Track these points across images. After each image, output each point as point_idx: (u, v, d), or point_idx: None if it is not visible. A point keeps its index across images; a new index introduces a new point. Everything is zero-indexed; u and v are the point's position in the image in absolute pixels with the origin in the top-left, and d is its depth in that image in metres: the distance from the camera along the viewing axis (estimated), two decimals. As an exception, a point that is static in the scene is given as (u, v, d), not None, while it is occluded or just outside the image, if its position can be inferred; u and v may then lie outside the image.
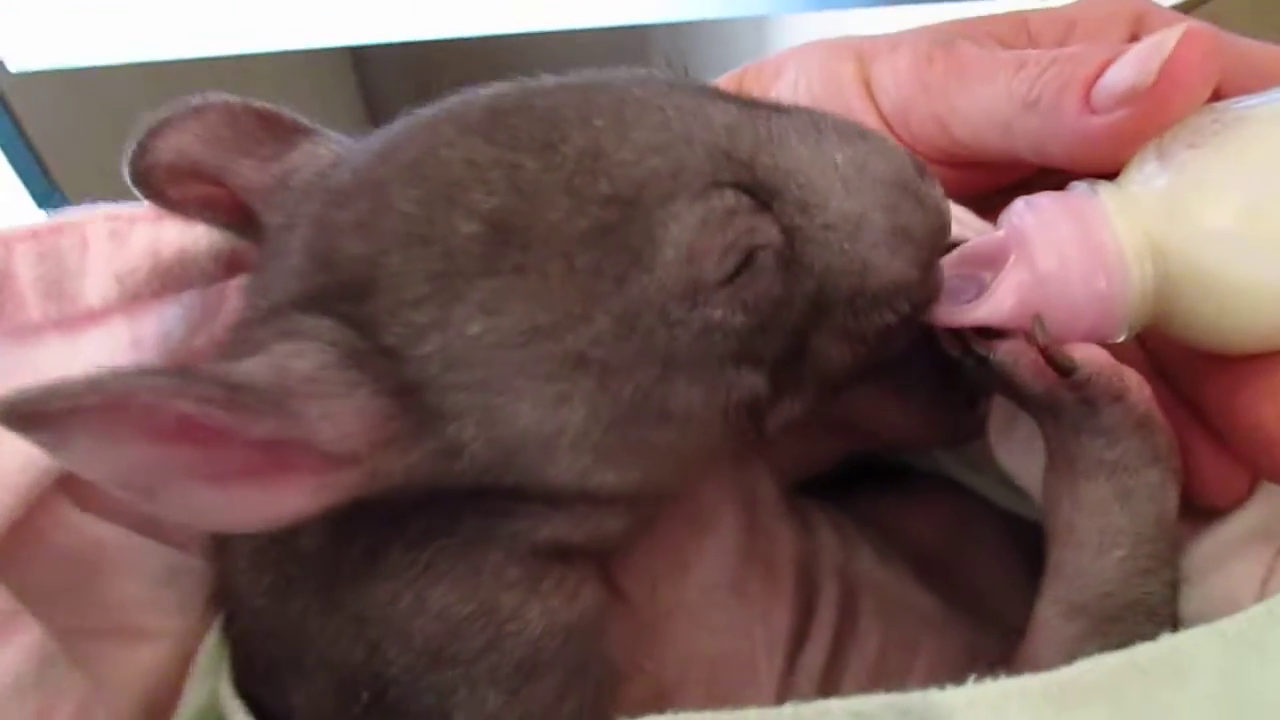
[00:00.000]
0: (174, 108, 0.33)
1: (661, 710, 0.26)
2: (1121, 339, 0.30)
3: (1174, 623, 0.30)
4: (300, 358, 0.26)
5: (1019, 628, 0.32)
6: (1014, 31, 0.38)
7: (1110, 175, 0.30)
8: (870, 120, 0.37)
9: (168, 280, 0.34)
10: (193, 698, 0.33)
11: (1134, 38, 0.35)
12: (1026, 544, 0.38)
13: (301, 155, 0.33)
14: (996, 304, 0.30)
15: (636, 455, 0.29)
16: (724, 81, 0.43)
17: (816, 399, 0.32)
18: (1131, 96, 0.29)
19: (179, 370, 0.25)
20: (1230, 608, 0.28)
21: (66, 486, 0.33)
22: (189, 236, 0.35)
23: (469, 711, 0.29)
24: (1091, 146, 0.30)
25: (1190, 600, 0.31)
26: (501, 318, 0.27)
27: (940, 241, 0.31)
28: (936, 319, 0.31)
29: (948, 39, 0.36)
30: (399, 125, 0.30)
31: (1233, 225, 0.28)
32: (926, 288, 0.31)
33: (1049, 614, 0.31)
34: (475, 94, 0.30)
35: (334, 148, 0.33)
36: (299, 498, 0.25)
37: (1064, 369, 0.29)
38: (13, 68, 0.91)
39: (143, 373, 0.24)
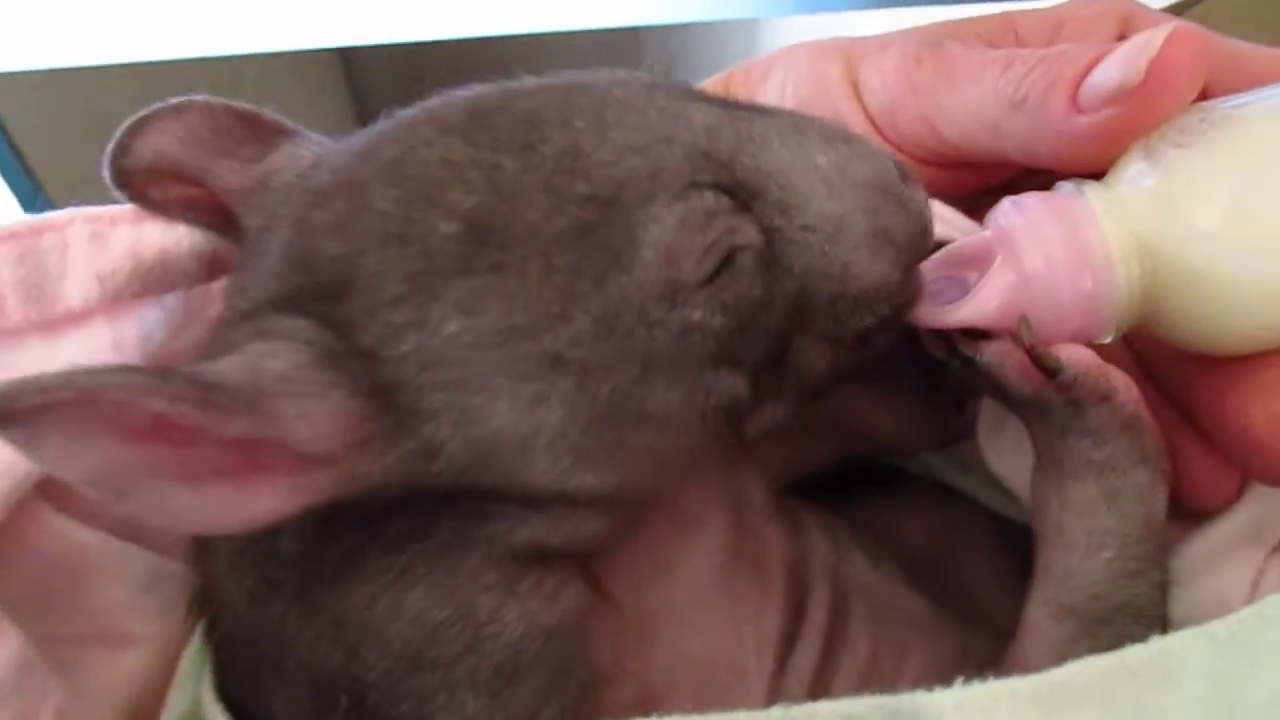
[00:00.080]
0: (153, 108, 0.33)
1: (647, 713, 0.26)
2: (1109, 340, 0.30)
3: (1163, 625, 0.30)
4: (275, 357, 0.26)
5: (1009, 629, 0.32)
6: (1002, 32, 0.37)
7: (1097, 175, 0.30)
8: (857, 121, 0.37)
9: (149, 282, 0.34)
10: (175, 704, 0.33)
11: (1122, 38, 0.35)
12: (1016, 545, 0.38)
13: (282, 157, 0.33)
14: (982, 304, 0.29)
15: (615, 457, 0.28)
16: (712, 83, 0.42)
17: (798, 403, 0.31)
18: (1119, 96, 0.29)
19: (153, 369, 0.25)
20: (1220, 610, 0.28)
21: (47, 491, 0.33)
22: (170, 237, 0.35)
23: (449, 716, 0.28)
24: (1078, 146, 0.30)
25: (1179, 602, 0.31)
26: (479, 317, 0.27)
27: (921, 245, 0.31)
28: (922, 320, 0.31)
29: (935, 40, 0.36)
30: (379, 126, 0.30)
31: (1220, 225, 0.28)
32: (907, 290, 0.31)
33: (1038, 616, 0.31)
34: (455, 95, 0.30)
35: (315, 149, 0.33)
36: (274, 499, 0.25)
37: (1050, 370, 0.29)
38: (-3, 68, 0.90)
39: (115, 370, 0.23)
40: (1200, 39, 0.29)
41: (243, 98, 0.34)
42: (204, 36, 0.90)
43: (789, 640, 0.36)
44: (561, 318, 0.27)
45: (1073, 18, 0.37)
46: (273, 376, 0.25)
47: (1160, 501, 0.30)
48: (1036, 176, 0.33)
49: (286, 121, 0.34)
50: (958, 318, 0.30)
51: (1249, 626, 0.25)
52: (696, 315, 0.28)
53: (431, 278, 0.27)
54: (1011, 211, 0.30)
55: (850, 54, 0.38)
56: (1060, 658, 0.26)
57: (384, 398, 0.27)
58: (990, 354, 0.30)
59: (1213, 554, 0.31)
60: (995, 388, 0.31)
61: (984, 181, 0.37)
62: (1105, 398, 0.29)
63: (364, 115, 0.31)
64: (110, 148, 0.33)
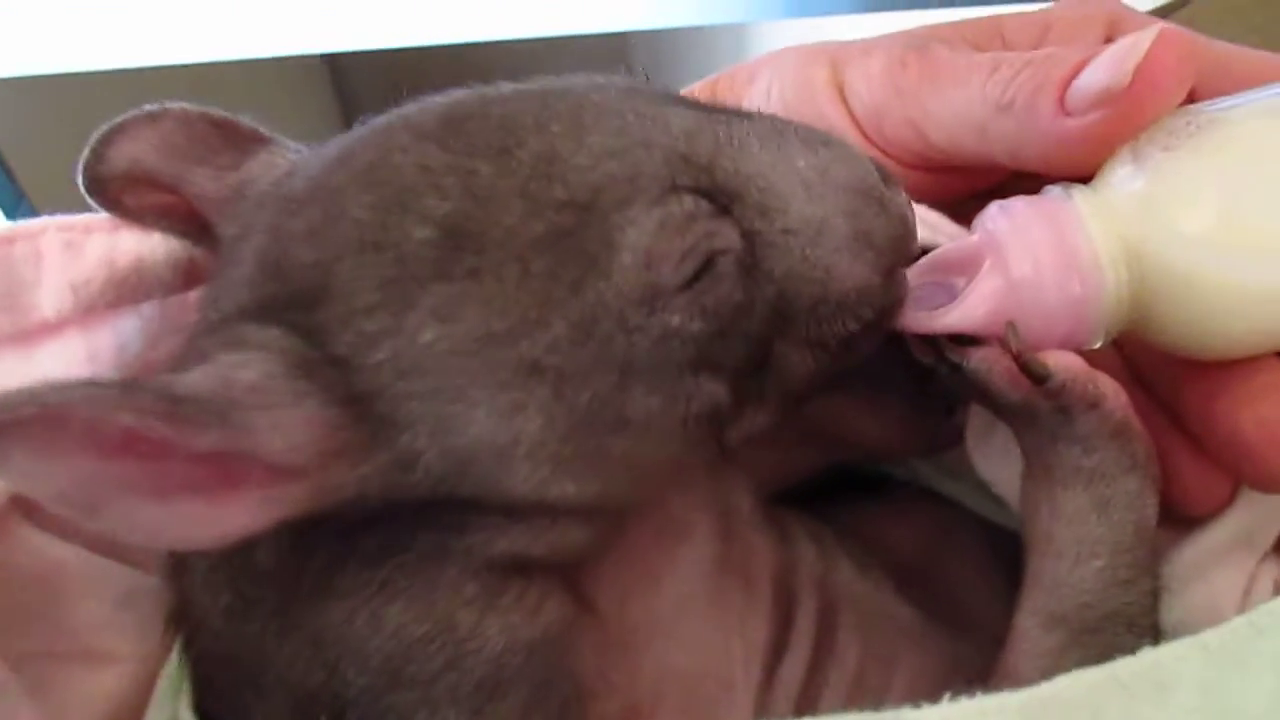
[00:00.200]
0: (128, 115, 0.33)
1: None
2: (1097, 345, 0.30)
3: (1154, 633, 0.30)
4: (246, 367, 0.25)
5: (998, 637, 0.32)
6: (988, 36, 0.37)
7: (1085, 179, 0.30)
8: (843, 125, 0.36)
9: (124, 291, 0.34)
10: (153, 722, 0.32)
11: (1109, 41, 0.35)
12: (1006, 553, 0.38)
13: (258, 165, 0.32)
14: (969, 310, 0.29)
15: (595, 465, 0.28)
16: (699, 88, 0.42)
17: (781, 409, 0.31)
18: (1107, 98, 0.29)
19: (120, 382, 0.24)
20: (1212, 617, 0.28)
21: (24, 507, 0.32)
22: (146, 246, 0.34)
23: None
24: (1066, 149, 0.30)
25: (1171, 610, 0.31)
26: (455, 324, 0.26)
27: (903, 249, 0.31)
28: (909, 326, 0.31)
29: (921, 43, 0.36)
30: (354, 133, 0.30)
31: (1209, 228, 0.27)
32: (890, 295, 0.30)
33: (1028, 625, 0.31)
34: (430, 101, 0.30)
35: (291, 157, 0.32)
36: (247, 513, 0.25)
37: (1038, 376, 0.29)
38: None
39: (82, 385, 0.23)
40: (1187, 41, 0.29)
41: (228, 104, 0.34)
42: (190, 43, 0.89)
43: (776, 651, 0.35)
44: (539, 324, 0.26)
45: (1059, 21, 0.37)
46: (243, 387, 0.25)
47: (1150, 508, 0.30)
48: (1024, 180, 0.33)
49: (263, 129, 0.34)
50: (944, 323, 0.30)
51: (1241, 636, 0.25)
52: (676, 320, 0.27)
53: (407, 284, 0.26)
54: (999, 216, 0.30)
55: (835, 58, 0.38)
56: (1050, 667, 0.25)
57: (359, 407, 0.26)
58: (978, 360, 0.30)
59: (1204, 561, 0.31)
60: (983, 394, 0.30)
61: (970, 186, 0.37)
62: (1094, 404, 0.29)
63: (351, 122, 0.31)
64: (84, 155, 0.33)
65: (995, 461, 0.35)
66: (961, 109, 0.33)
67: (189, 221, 0.34)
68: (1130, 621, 0.29)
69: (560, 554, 0.30)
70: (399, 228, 0.27)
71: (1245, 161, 0.28)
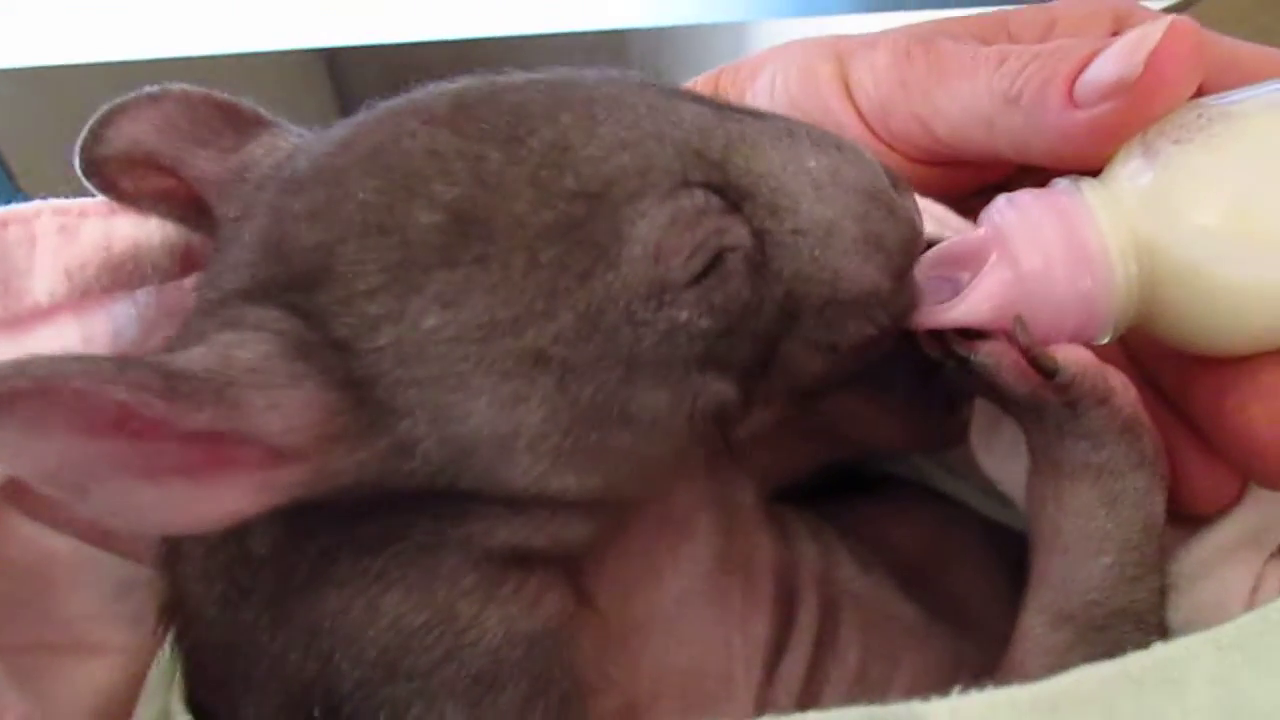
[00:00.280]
0: (129, 96, 0.32)
1: None
2: (1106, 340, 0.29)
3: (1162, 630, 0.30)
4: (243, 347, 0.25)
5: (1001, 636, 0.31)
6: (994, 30, 0.37)
7: (1093, 173, 0.30)
8: (848, 119, 0.36)
9: (119, 276, 0.33)
10: (144, 714, 0.32)
11: (1115, 35, 0.35)
12: (1008, 552, 0.37)
13: (261, 147, 0.32)
14: (976, 303, 0.29)
15: (597, 459, 0.28)
16: (701, 81, 0.42)
17: (787, 408, 0.31)
18: (1116, 90, 0.28)
19: (114, 358, 0.24)
20: (1220, 615, 0.27)
21: (16, 497, 0.32)
22: (143, 230, 0.34)
23: None
24: (1075, 142, 0.30)
25: (1179, 608, 0.30)
26: (459, 311, 0.26)
27: (912, 252, 0.30)
28: (916, 320, 0.30)
29: (927, 36, 0.36)
30: (360, 116, 0.29)
31: (1220, 222, 0.27)
32: (901, 298, 0.30)
33: (1034, 622, 0.30)
34: (440, 86, 0.29)
35: (294, 140, 0.32)
36: (240, 496, 0.24)
37: (1047, 370, 0.28)
38: (-25, 67, 0.89)
39: (75, 358, 0.22)
40: (1198, 33, 0.29)
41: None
42: (187, 36, 0.89)
43: (777, 649, 0.35)
44: (545, 314, 0.26)
45: (1066, 15, 0.37)
46: (241, 366, 0.24)
47: (1159, 505, 0.30)
48: (1031, 175, 0.33)
49: (265, 112, 0.33)
50: (951, 317, 0.29)
51: (1253, 632, 0.25)
52: (683, 315, 0.27)
53: (411, 269, 0.26)
54: (1006, 209, 0.29)
55: (841, 52, 0.37)
56: (1057, 665, 0.25)
57: (358, 391, 0.26)
58: (985, 354, 0.30)
59: (1213, 558, 0.30)
60: (990, 389, 0.30)
61: (977, 180, 0.36)
62: (1103, 399, 0.29)
63: (348, 116, 0.30)
64: (83, 136, 0.32)
65: (1001, 458, 0.35)
66: (968, 102, 0.33)
67: (187, 206, 0.33)
68: (1138, 619, 0.29)
69: (562, 547, 0.29)
70: (405, 211, 0.26)
71: (1258, 155, 0.27)
